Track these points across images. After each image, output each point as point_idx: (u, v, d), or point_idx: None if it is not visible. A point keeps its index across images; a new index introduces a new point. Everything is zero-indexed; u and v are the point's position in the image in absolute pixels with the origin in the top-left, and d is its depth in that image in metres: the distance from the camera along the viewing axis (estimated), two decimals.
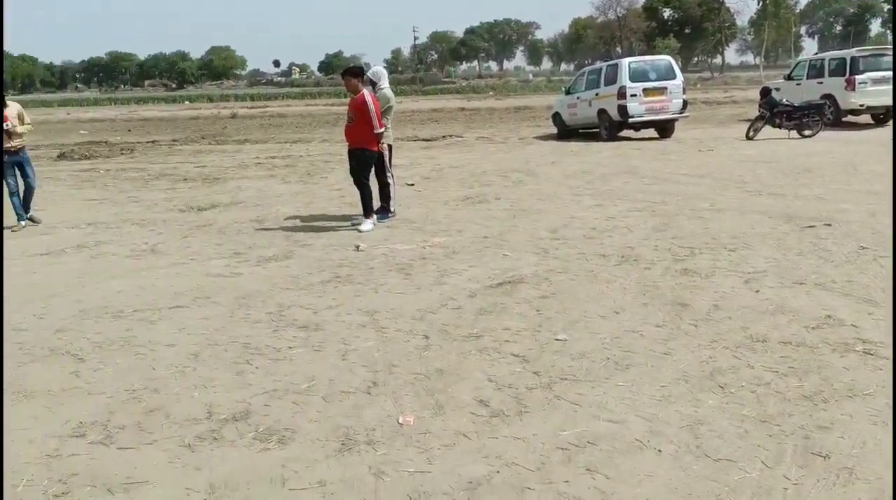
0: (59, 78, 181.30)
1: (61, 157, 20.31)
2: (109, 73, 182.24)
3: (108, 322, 5.82)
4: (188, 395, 4.40)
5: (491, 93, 68.98)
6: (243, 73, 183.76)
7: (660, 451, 3.56)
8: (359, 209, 9.26)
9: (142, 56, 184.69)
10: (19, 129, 10.00)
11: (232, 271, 7.30)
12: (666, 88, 18.79)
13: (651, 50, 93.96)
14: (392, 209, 9.70)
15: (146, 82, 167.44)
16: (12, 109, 10.03)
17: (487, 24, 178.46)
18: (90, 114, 52.11)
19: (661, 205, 9.85)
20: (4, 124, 9.79)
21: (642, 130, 19.84)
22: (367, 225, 8.99)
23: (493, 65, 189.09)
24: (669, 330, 5.14)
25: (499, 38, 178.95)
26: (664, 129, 19.73)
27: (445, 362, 4.74)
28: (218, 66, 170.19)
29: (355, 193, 9.35)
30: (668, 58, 20.18)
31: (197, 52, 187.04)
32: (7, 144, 9.90)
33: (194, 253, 8.16)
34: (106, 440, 3.88)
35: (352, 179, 9.26)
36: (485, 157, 17.08)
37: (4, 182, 10.03)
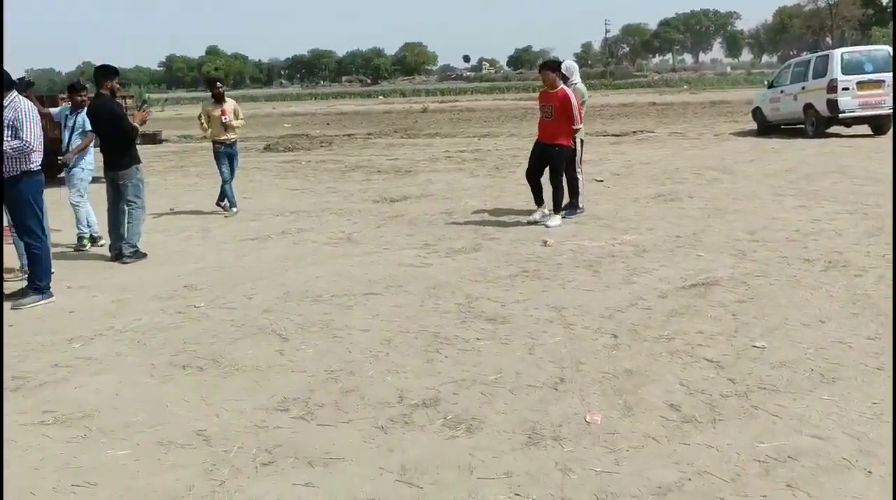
0: (266, 75, 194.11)
1: (267, 149, 21.74)
2: (311, 69, 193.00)
3: (308, 305, 6.18)
4: (381, 379, 4.59)
5: (685, 87, 66.65)
6: (434, 68, 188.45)
7: (870, 472, 3.31)
8: (533, 206, 9.25)
9: (340, 53, 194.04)
10: (234, 123, 10.88)
11: (422, 261, 7.52)
12: (883, 82, 17.33)
13: (867, 40, 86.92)
14: (580, 205, 9.61)
15: (343, 78, 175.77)
16: (229, 104, 10.92)
17: (683, 16, 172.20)
18: (293, 108, 55.45)
19: (875, 208, 9.12)
20: (223, 118, 10.67)
21: (854, 127, 18.41)
22: (556, 221, 8.96)
23: (688, 57, 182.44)
24: (883, 343, 4.75)
25: (695, 30, 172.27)
26: (879, 125, 18.21)
27: (634, 363, 4.64)
28: (410, 62, 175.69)
29: (545, 187, 9.34)
30: (887, 48, 18.56)
31: (391, 48, 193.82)
32: (224, 137, 10.79)
33: (387, 243, 8.49)
34: (307, 416, 4.12)
35: (528, 175, 9.23)
36: (677, 153, 16.54)
37: (219, 171, 10.93)
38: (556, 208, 9.09)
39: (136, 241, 8.09)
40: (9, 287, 7.04)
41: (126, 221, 8.16)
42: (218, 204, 11.05)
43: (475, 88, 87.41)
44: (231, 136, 10.91)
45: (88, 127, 8.44)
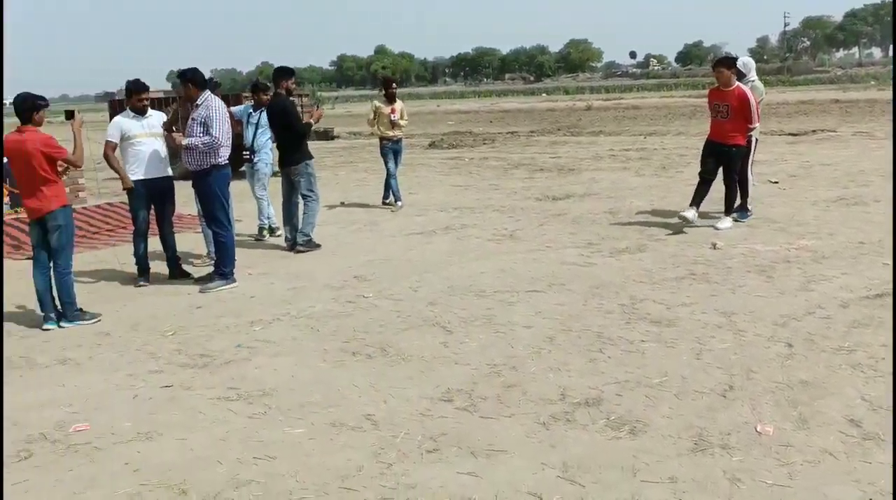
0: (430, 73, 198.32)
1: (432, 146, 22.21)
2: (474, 67, 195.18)
3: (472, 300, 6.29)
4: (543, 376, 4.61)
5: (872, 83, 62.03)
6: (599, 65, 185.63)
7: None
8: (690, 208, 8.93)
9: (504, 51, 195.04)
10: (401, 122, 11.31)
11: (585, 260, 7.47)
12: None
13: None
14: (749, 208, 9.20)
15: (506, 76, 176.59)
16: (399, 104, 11.34)
17: (872, 6, 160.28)
18: (456, 106, 56.29)
19: None
20: (392, 116, 11.08)
21: None
22: (726, 223, 8.63)
23: (877, 51, 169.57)
24: None
25: (885, 21, 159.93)
26: None
27: (811, 374, 4.42)
28: (575, 59, 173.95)
29: (717, 189, 9.01)
30: None
31: (556, 45, 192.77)
32: (391, 133, 11.21)
33: (550, 241, 8.48)
34: (470, 408, 4.21)
35: (702, 176, 8.86)
36: (863, 154, 15.45)
37: (385, 167, 11.35)
38: (728, 210, 8.75)
39: (310, 232, 8.52)
40: (196, 272, 7.62)
41: (301, 212, 8.62)
42: (384, 203, 11.46)
43: (641, 86, 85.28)
44: (398, 133, 11.36)
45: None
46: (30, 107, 5.84)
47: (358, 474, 3.53)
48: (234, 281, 7.05)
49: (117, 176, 7.20)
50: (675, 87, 73.93)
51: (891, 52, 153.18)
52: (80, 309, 6.17)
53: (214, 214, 6.96)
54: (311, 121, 8.80)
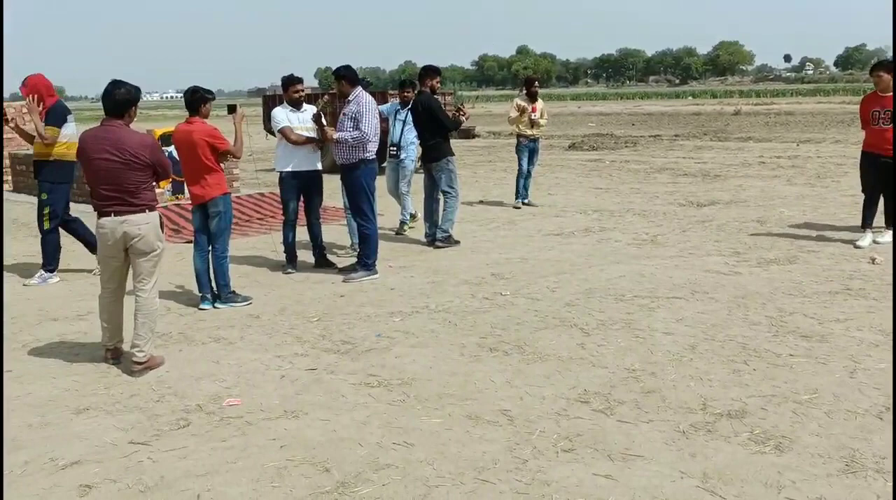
0: (572, 73, 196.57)
1: (571, 147, 22.04)
2: (617, 69, 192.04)
3: (610, 303, 6.22)
4: (684, 384, 4.51)
5: None
6: (749, 68, 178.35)
7: None
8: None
9: (649, 52, 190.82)
10: (541, 121, 11.35)
11: (731, 269, 7.22)
12: None
13: None
14: None
15: (650, 78, 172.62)
16: (540, 103, 11.36)
17: None
18: (597, 107, 55.54)
19: None
20: (532, 115, 11.13)
21: None
22: (887, 236, 8.12)
23: None
24: None
25: None
26: None
27: None
28: (724, 62, 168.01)
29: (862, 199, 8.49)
30: None
31: (704, 47, 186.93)
32: (530, 132, 11.27)
33: (692, 247, 8.25)
34: (606, 411, 4.18)
35: (865, 190, 8.33)
36: None
37: (518, 163, 11.44)
38: (889, 223, 8.22)
39: (450, 228, 8.65)
40: (340, 262, 7.90)
41: (440, 208, 8.77)
42: (523, 203, 11.48)
43: (795, 90, 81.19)
44: (536, 132, 11.40)
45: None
46: (198, 99, 6.23)
47: (493, 467, 3.57)
48: (376, 273, 7.26)
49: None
50: (832, 92, 69.96)
51: None
52: (234, 291, 6.53)
53: (360, 206, 7.19)
54: (463, 119, 8.97)
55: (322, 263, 7.76)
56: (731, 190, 12.61)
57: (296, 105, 7.46)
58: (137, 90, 4.91)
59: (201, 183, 6.27)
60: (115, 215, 4.79)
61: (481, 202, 11.97)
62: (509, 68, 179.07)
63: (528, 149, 11.43)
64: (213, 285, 6.49)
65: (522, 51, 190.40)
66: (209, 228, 6.39)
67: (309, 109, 7.55)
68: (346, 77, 7.09)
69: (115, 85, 4.83)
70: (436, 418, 4.15)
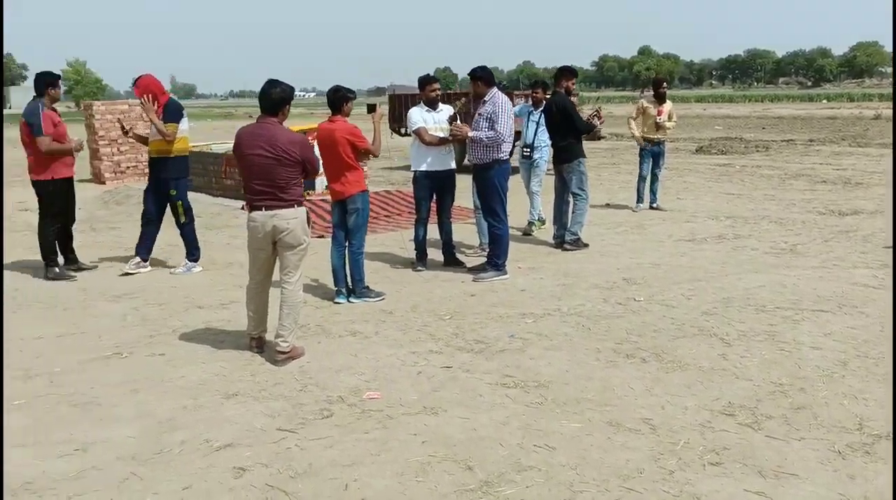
0: (696, 75, 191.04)
1: (699, 150, 21.40)
2: (744, 70, 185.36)
3: (750, 313, 6.00)
4: (837, 401, 4.30)
5: None
6: (888, 70, 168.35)
7: None
8: None
9: (780, 53, 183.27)
10: (667, 124, 11.08)
11: (880, 282, 6.84)
12: None
13: None
14: None
15: (780, 80, 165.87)
16: (667, 105, 11.11)
17: None
18: (724, 110, 53.73)
19: None
20: (658, 118, 10.90)
21: None
22: None
23: None
24: None
25: None
26: None
27: None
28: (861, 63, 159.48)
29: None
30: None
31: (839, 48, 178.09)
32: (654, 135, 11.04)
33: (836, 258, 7.87)
34: (754, 425, 4.03)
35: None
36: None
37: (640, 167, 11.21)
38: None
39: (579, 230, 8.56)
40: (469, 261, 7.94)
41: (570, 211, 8.69)
42: (652, 207, 11.24)
43: None
44: (661, 135, 11.14)
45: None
46: (340, 98, 6.39)
47: (639, 476, 3.51)
48: (506, 273, 7.26)
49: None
50: None
51: None
52: (367, 287, 6.67)
53: (492, 206, 7.21)
54: (597, 123, 8.92)
55: (451, 261, 7.82)
56: (874, 199, 11.94)
57: (432, 104, 7.55)
58: (291, 89, 5.09)
59: (341, 180, 6.43)
60: (265, 210, 4.98)
61: (608, 205, 11.79)
62: (630, 69, 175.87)
63: (651, 153, 11.18)
64: (348, 279, 6.65)
65: (644, 51, 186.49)
66: (347, 224, 6.55)
67: (445, 109, 7.62)
68: (482, 78, 7.12)
69: (272, 84, 5.02)
70: (575, 422, 4.11)
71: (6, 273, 7.89)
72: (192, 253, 7.94)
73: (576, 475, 3.53)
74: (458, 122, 7.36)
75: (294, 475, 3.60)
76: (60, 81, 7.68)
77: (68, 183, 7.70)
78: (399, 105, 17.82)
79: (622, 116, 9.94)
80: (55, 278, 7.55)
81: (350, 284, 6.65)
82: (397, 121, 17.77)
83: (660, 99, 11.13)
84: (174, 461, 3.80)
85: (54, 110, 7.51)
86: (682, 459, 3.67)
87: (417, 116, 7.48)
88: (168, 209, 7.90)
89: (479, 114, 7.09)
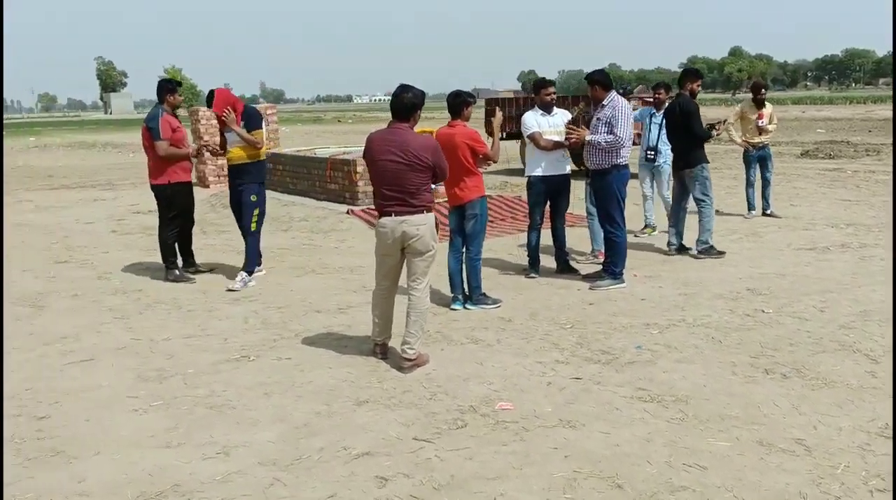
0: (790, 76, 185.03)
1: (804, 155, 20.63)
2: (842, 70, 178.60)
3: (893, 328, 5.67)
4: None
5: None
6: None
7: None
8: None
9: (880, 53, 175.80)
10: (769, 127, 10.69)
11: None
12: None
13: None
14: None
15: (881, 80, 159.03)
16: (768, 109, 10.74)
17: None
18: (823, 112, 51.75)
19: None
20: (759, 121, 10.54)
21: None
22: None
23: None
24: None
25: None
26: None
27: None
28: None
29: None
30: None
31: None
32: (756, 139, 10.68)
33: None
34: None
35: None
36: None
37: (746, 173, 10.86)
38: None
39: (708, 238, 8.29)
40: (582, 268, 7.79)
41: (684, 218, 8.45)
42: (765, 213, 10.86)
43: None
44: (763, 139, 10.77)
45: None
46: (461, 103, 6.35)
47: None
48: (623, 281, 7.09)
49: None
50: None
51: None
52: (484, 294, 6.60)
53: (610, 212, 7.04)
54: (715, 133, 8.71)
55: (565, 268, 7.69)
56: None
57: (546, 108, 7.43)
58: (423, 94, 5.06)
59: (460, 185, 6.38)
60: (395, 215, 4.96)
61: (718, 212, 11.40)
62: (721, 70, 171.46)
63: (756, 157, 10.83)
64: (465, 286, 6.60)
65: (735, 52, 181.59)
66: (465, 229, 6.50)
67: (559, 113, 7.51)
68: (599, 82, 6.98)
69: (403, 89, 5.00)
70: (723, 440, 3.93)
71: (127, 274, 8.16)
72: (251, 265, 7.63)
73: (732, 497, 3.37)
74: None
75: (438, 487, 3.55)
76: (178, 88, 7.87)
77: (186, 187, 7.88)
78: (522, 109, 17.72)
79: (713, 119, 9.60)
80: (175, 280, 7.74)
81: (466, 290, 6.59)
82: (486, 124, 17.72)
83: (759, 104, 10.78)
84: (315, 467, 3.79)
85: (174, 116, 7.71)
86: (844, 484, 3.47)
87: (532, 120, 7.37)
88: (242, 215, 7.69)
89: (598, 118, 6.94)
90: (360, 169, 11.16)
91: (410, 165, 4.89)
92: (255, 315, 6.52)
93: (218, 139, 8.32)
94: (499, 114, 6.80)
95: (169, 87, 7.64)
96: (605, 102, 6.94)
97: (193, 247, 8.21)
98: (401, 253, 5.11)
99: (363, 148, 5.21)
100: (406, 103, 4.97)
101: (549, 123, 7.40)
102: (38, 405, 4.68)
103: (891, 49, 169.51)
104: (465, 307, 6.53)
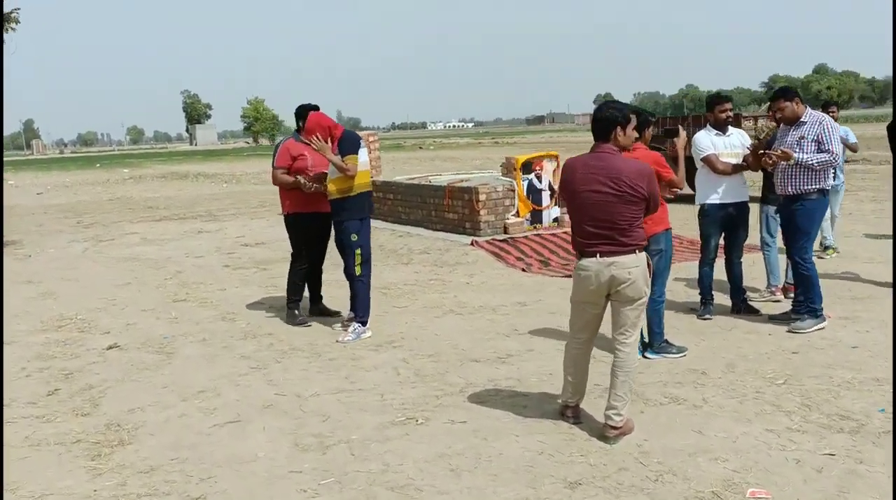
0: (877, 93, 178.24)
1: None
2: None
3: None
4: None
5: None
6: None
7: None
8: None
9: None
10: None
11: None
12: None
13: None
14: None
15: None
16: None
17: None
18: None
19: None
20: None
21: None
22: None
23: None
24: None
25: None
26: None
27: None
28: None
29: None
30: None
31: None
32: None
33: None
34: None
35: None
36: None
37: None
38: None
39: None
40: (761, 307, 6.83)
41: None
42: None
43: None
44: None
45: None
46: (642, 122, 5.53)
47: None
48: (825, 320, 6.13)
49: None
50: None
51: None
52: (667, 340, 5.73)
53: (803, 243, 6.10)
54: None
55: (745, 308, 6.74)
56: None
57: (721, 127, 6.56)
58: (626, 109, 4.26)
59: None
60: (600, 256, 4.15)
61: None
62: (806, 88, 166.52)
63: None
64: (645, 332, 5.75)
65: (820, 69, 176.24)
66: None
67: (735, 133, 6.63)
68: (798, 96, 6.11)
69: (606, 105, 4.22)
70: None
71: (252, 314, 7.57)
72: (362, 313, 6.62)
73: None
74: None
75: None
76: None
77: (309, 218, 7.10)
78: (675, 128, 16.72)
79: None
80: (293, 323, 7.06)
81: (646, 336, 5.73)
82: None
83: None
84: None
85: (307, 143, 7.01)
86: None
87: (706, 141, 6.51)
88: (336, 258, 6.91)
89: (802, 136, 6.02)
90: (482, 197, 10.43)
91: (622, 196, 4.08)
92: (405, 365, 5.79)
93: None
94: (683, 134, 5.93)
95: (301, 112, 7.02)
96: (804, 119, 6.03)
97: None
98: (606, 300, 4.29)
99: (561, 177, 4.42)
100: (609, 119, 4.17)
101: (725, 144, 6.53)
102: (188, 481, 4.01)
103: None
104: (644, 356, 5.65)
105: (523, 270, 9.16)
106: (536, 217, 10.82)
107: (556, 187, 10.88)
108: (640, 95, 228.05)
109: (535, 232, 10.62)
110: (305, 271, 7.26)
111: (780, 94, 6.18)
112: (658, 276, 5.61)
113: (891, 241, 9.91)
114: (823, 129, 5.92)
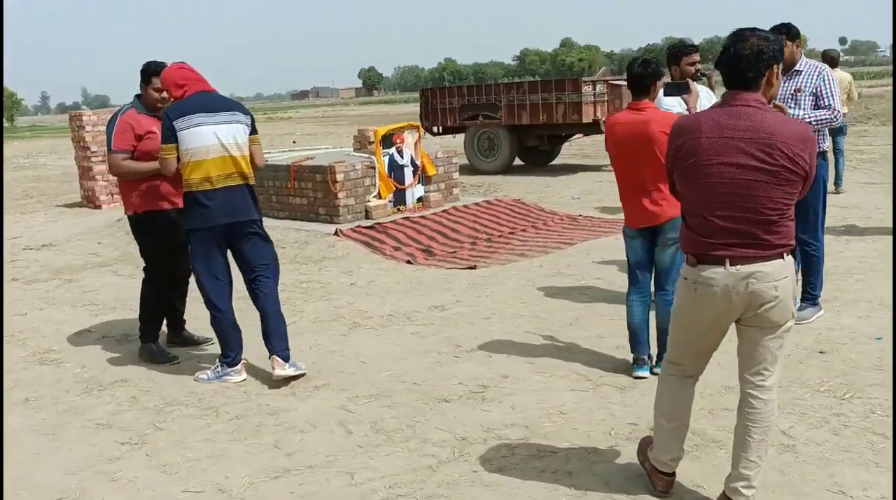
0: (617, 65, 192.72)
1: None
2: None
3: None
4: None
5: None
6: None
7: None
8: None
9: (697, 41, 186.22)
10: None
11: None
12: None
13: None
14: None
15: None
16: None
17: None
18: None
19: None
20: None
21: None
22: None
23: None
24: None
25: None
26: None
27: None
28: None
29: None
30: None
31: None
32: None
33: None
34: None
35: None
36: None
37: None
38: None
39: None
40: None
41: None
42: None
43: None
44: None
45: None
46: (652, 75, 4.30)
47: None
48: (821, 308, 5.27)
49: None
50: None
51: None
52: None
53: (811, 218, 5.11)
54: None
55: None
56: None
57: (680, 87, 5.44)
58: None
59: (654, 196, 4.28)
60: (731, 264, 2.81)
61: None
62: (553, 61, 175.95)
63: None
64: (651, 343, 4.56)
65: (566, 43, 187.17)
66: (656, 261, 4.44)
67: (703, 92, 5.56)
68: (798, 35, 5.05)
69: (752, 32, 2.77)
70: None
71: (80, 351, 5.49)
72: (222, 346, 4.86)
73: None
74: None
75: None
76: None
77: (170, 216, 5.20)
78: (432, 98, 15.62)
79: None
80: (155, 361, 5.16)
81: (654, 349, 4.55)
82: (429, 118, 15.61)
83: None
84: None
85: (155, 117, 5.06)
86: None
87: (673, 102, 5.37)
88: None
89: (798, 90, 5.02)
90: (339, 177, 8.76)
91: (775, 172, 2.75)
92: (350, 416, 4.17)
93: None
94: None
95: (148, 71, 5.04)
96: (799, 68, 5.04)
97: (127, 294, 5.55)
98: (730, 323, 2.98)
99: (670, 139, 2.97)
100: (761, 54, 2.74)
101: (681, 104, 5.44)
102: None
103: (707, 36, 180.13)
104: (653, 373, 4.46)
105: (409, 262, 7.70)
106: (399, 197, 9.35)
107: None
108: (399, 69, 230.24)
109: (402, 215, 9.14)
110: (165, 289, 5.31)
111: (783, 30, 5.02)
112: (672, 271, 4.41)
113: None
114: (823, 80, 4.96)
